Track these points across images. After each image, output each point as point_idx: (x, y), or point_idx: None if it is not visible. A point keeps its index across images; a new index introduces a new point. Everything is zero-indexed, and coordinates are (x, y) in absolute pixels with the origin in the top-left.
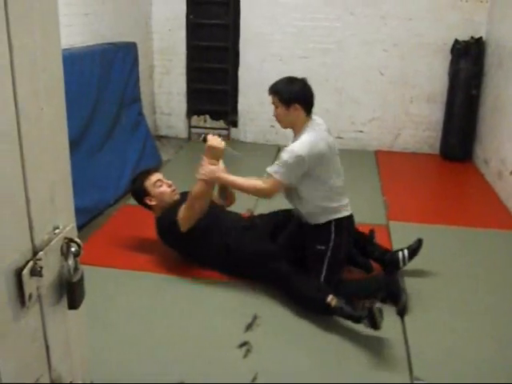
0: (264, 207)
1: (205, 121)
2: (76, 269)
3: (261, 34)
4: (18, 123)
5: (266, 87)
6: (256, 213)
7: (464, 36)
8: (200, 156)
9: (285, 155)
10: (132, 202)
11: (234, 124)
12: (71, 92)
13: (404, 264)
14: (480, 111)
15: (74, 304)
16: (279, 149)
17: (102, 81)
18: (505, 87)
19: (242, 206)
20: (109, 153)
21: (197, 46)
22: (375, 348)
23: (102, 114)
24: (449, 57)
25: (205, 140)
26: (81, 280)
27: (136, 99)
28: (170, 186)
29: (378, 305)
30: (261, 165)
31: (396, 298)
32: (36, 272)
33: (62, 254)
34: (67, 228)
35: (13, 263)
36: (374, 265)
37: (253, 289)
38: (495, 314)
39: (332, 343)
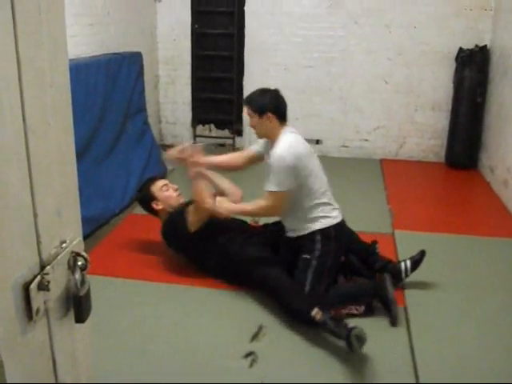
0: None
1: (210, 130)
2: (83, 282)
3: (265, 43)
4: (26, 138)
5: None
6: (261, 222)
7: (468, 44)
8: None
9: (273, 164)
10: (137, 211)
11: (239, 133)
12: (77, 102)
13: (406, 275)
14: (485, 119)
15: (81, 317)
16: None
17: (107, 91)
18: (510, 95)
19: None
20: (114, 162)
21: (202, 56)
22: (381, 357)
23: (107, 124)
24: (453, 65)
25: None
26: (88, 294)
27: (141, 109)
28: (175, 190)
29: (358, 329)
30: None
31: (386, 305)
32: (43, 286)
33: (69, 268)
34: (74, 242)
35: (20, 277)
36: None
37: (258, 298)
38: (502, 323)
39: (338, 353)
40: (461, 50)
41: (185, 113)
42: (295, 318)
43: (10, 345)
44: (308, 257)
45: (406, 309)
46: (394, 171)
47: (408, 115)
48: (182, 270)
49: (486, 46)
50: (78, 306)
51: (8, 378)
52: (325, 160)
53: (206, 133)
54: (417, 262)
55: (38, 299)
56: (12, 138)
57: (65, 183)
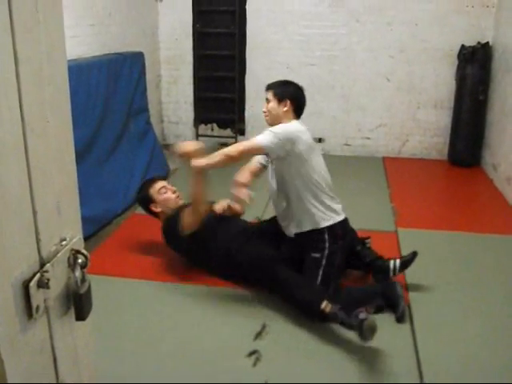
0: (272, 215)
1: (212, 129)
2: (83, 280)
3: (267, 42)
4: (25, 136)
5: None
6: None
7: (470, 41)
8: None
9: (272, 128)
10: (140, 210)
11: (241, 132)
12: (79, 102)
13: (394, 274)
14: (488, 116)
15: (81, 315)
16: None
17: (109, 91)
18: None
19: (250, 214)
20: (117, 162)
21: (203, 55)
22: (385, 356)
23: (109, 124)
24: (455, 62)
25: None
26: (88, 291)
27: (143, 109)
28: (174, 192)
29: (370, 319)
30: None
31: (394, 305)
32: (43, 284)
33: (69, 265)
34: (74, 239)
35: (20, 275)
36: None
37: (262, 297)
38: (506, 320)
39: (341, 352)
40: (463, 47)
41: (187, 112)
42: (305, 311)
43: (10, 343)
44: (318, 256)
45: (409, 306)
46: (396, 169)
47: (410, 113)
48: (186, 269)
49: (488, 43)
50: (78, 303)
51: (8, 376)
52: (327, 158)
53: (209, 132)
54: (407, 262)
55: (37, 297)
56: (10, 136)
57: (64, 180)
